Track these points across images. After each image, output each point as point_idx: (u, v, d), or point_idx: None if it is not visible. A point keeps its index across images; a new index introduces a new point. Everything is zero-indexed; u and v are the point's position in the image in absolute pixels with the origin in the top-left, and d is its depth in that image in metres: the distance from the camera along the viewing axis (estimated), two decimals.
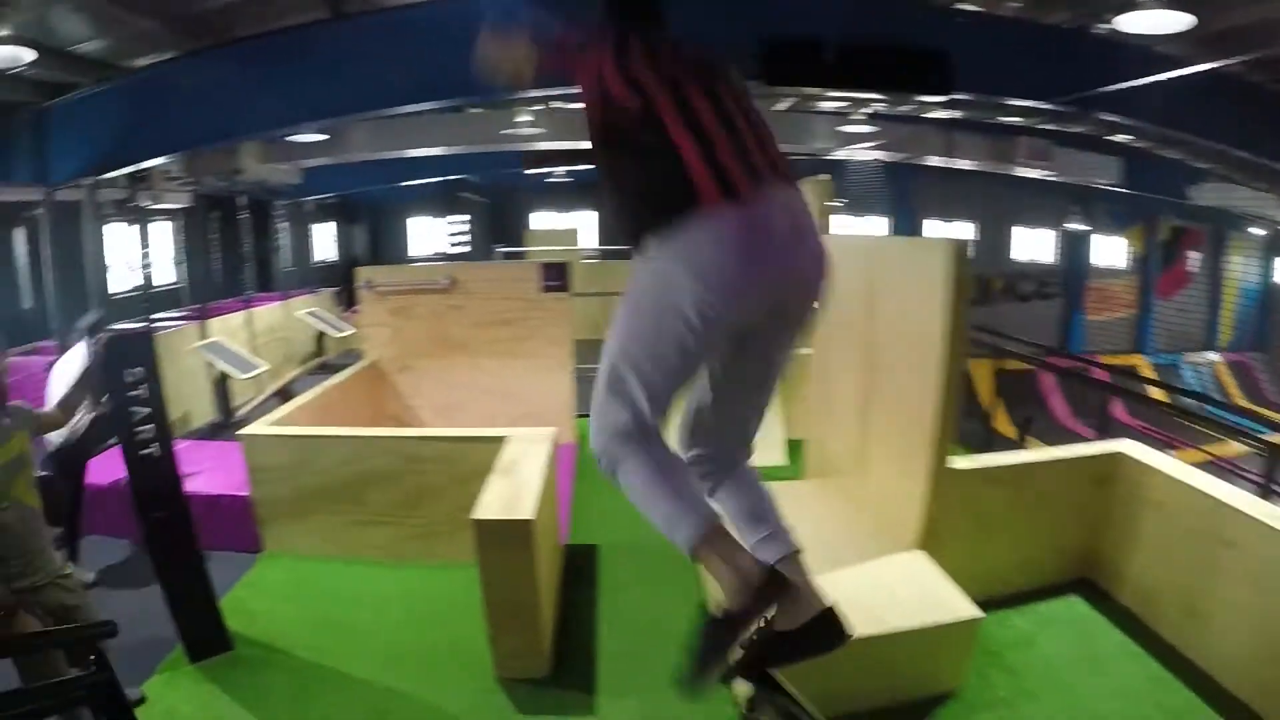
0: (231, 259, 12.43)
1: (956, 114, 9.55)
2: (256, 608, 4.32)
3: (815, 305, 2.15)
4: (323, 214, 18.40)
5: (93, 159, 7.56)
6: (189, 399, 8.59)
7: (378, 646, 3.91)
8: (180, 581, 3.69)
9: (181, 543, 3.67)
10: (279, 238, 14.03)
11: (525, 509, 3.43)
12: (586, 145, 2.23)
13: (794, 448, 6.21)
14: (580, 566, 4.65)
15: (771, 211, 1.97)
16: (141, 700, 3.40)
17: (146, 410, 3.44)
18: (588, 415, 2.09)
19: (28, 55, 5.22)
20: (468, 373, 6.80)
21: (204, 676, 3.67)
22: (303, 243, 16.34)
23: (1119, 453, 4.13)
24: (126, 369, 3.39)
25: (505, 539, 3.34)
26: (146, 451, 3.46)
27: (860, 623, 2.85)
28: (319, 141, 10.74)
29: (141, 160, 8.00)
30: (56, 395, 3.68)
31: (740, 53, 6.17)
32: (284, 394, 9.04)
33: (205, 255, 11.65)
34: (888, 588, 3.36)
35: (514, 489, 3.66)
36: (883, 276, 4.11)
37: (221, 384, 8.68)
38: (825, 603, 2.07)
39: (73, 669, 2.91)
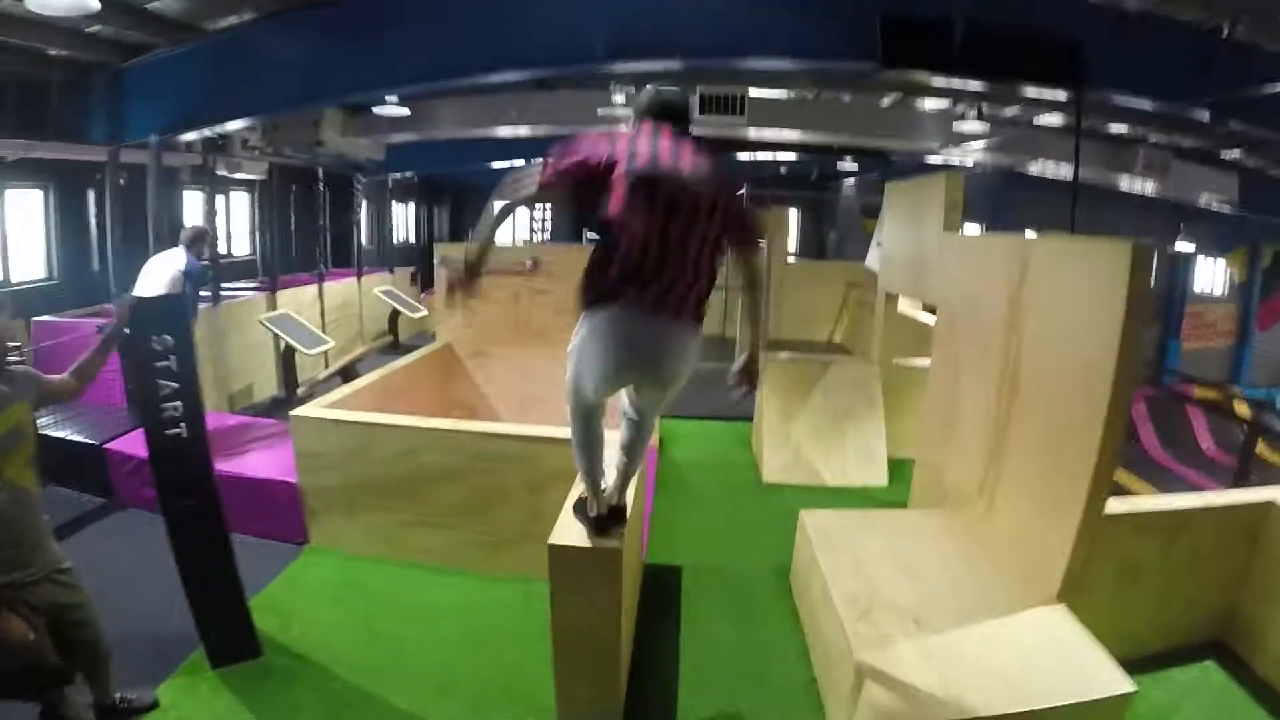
0: (308, 233, 12.21)
1: (1069, 118, 8.77)
2: (293, 607, 4.01)
3: (668, 384, 2.87)
4: (404, 193, 18.26)
5: (168, 121, 7.30)
6: (253, 371, 8.39)
7: (425, 669, 3.54)
8: (205, 580, 3.28)
9: (209, 537, 3.24)
10: (358, 214, 13.81)
11: (612, 537, 2.97)
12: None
13: (896, 468, 5.66)
14: (661, 591, 4.20)
15: (639, 325, 2.71)
16: (154, 705, 3.13)
17: (174, 385, 2.99)
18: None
19: (94, 3, 4.89)
20: (548, 363, 6.28)
21: (225, 685, 3.35)
22: (382, 220, 16.16)
23: (1270, 502, 3.64)
24: (154, 335, 2.94)
25: (586, 570, 2.88)
26: (173, 431, 3.01)
27: (999, 695, 2.66)
28: (402, 117, 10.40)
29: (217, 124, 7.73)
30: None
31: (860, 31, 5.63)
32: (346, 373, 8.67)
33: (282, 228, 11.44)
34: (1028, 651, 2.90)
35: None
36: (1034, 283, 3.61)
37: (288, 358, 8.36)
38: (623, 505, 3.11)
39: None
